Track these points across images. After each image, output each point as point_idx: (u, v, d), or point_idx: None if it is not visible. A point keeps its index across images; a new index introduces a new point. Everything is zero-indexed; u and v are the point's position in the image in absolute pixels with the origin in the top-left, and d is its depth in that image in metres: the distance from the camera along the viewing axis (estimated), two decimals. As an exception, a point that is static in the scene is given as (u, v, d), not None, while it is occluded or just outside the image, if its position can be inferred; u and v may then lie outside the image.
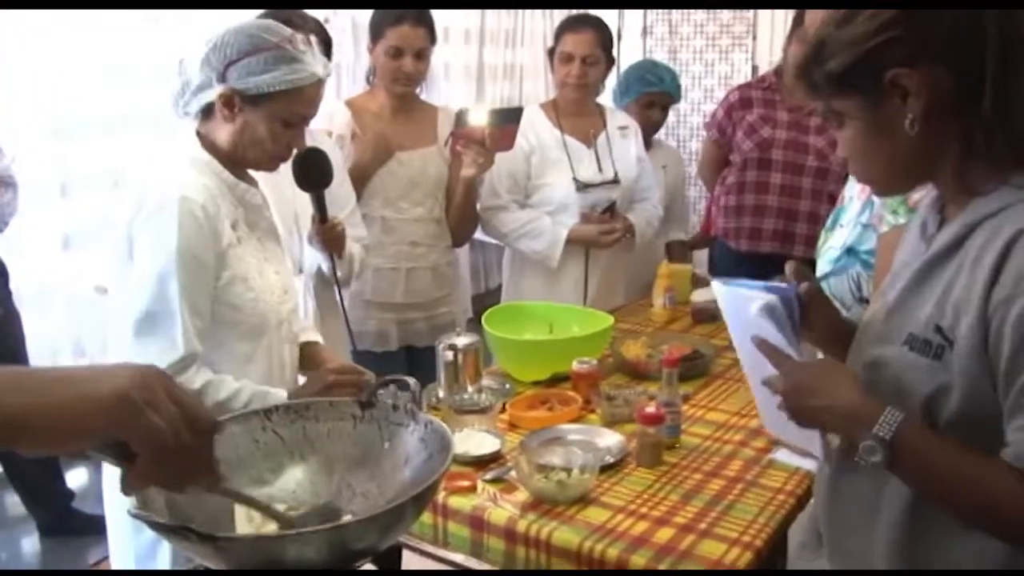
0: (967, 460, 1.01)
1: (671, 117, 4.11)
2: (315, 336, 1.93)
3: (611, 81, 3.16)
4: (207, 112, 1.61)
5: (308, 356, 1.85)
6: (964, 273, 1.00)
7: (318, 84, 1.61)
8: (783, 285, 1.18)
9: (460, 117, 2.47)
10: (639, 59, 6.09)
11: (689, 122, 6.91)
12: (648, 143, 3.27)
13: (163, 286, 1.51)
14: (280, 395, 1.60)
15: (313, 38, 1.86)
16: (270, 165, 1.69)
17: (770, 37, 7.09)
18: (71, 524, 3.19)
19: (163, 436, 0.74)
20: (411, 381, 1.31)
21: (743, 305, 1.17)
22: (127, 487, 0.82)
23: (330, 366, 1.76)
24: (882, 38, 1.01)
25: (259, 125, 1.59)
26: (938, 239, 1.08)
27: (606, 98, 3.16)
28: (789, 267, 1.23)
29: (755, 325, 1.15)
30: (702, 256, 6.65)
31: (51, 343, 3.48)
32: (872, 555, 1.13)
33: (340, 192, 2.28)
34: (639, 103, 3.18)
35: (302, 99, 1.59)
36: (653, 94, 3.17)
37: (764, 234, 3.13)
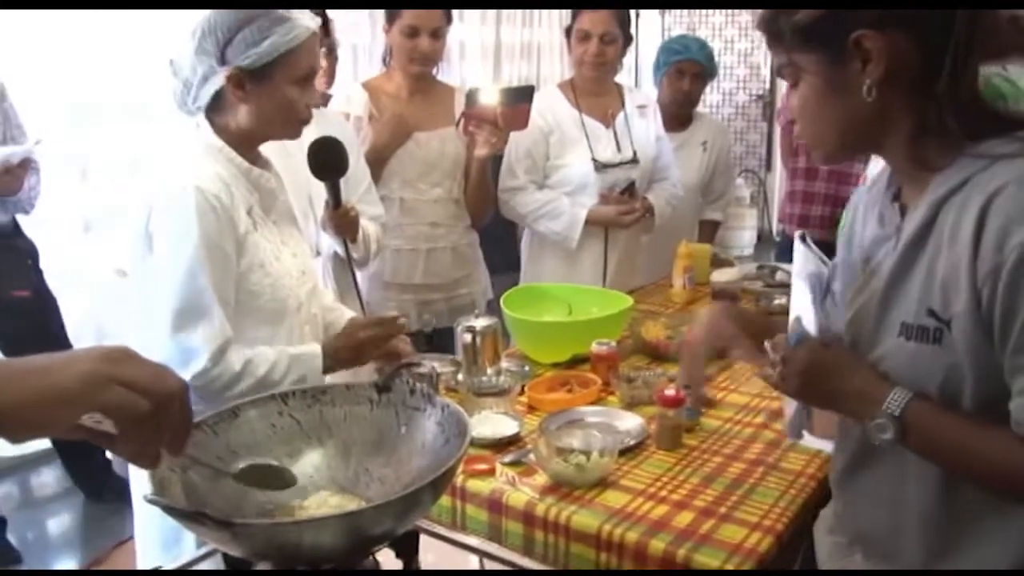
0: (977, 432, 1.00)
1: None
2: (341, 310, 1.93)
3: (630, 60, 3.14)
4: (217, 100, 1.59)
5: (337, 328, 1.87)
6: (944, 252, 0.99)
7: (314, 36, 1.59)
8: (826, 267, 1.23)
9: (470, 97, 2.45)
10: (658, 37, 5.99)
11: (708, 100, 6.84)
12: (687, 117, 3.25)
13: (193, 279, 1.52)
14: (314, 350, 1.64)
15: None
16: (295, 131, 1.67)
17: (792, 13, 6.99)
18: (116, 488, 3.24)
19: (136, 406, 0.76)
20: (427, 365, 1.31)
21: (800, 260, 1.24)
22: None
23: (358, 322, 1.79)
24: None
25: (275, 93, 1.57)
26: (906, 226, 1.05)
27: (626, 77, 3.14)
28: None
29: (798, 283, 1.21)
30: (735, 236, 6.56)
31: (73, 325, 3.51)
32: (901, 547, 1.11)
33: (355, 170, 2.27)
34: (669, 75, 3.17)
35: (305, 53, 1.58)
36: (681, 62, 3.14)
37: (812, 220, 3.15)
